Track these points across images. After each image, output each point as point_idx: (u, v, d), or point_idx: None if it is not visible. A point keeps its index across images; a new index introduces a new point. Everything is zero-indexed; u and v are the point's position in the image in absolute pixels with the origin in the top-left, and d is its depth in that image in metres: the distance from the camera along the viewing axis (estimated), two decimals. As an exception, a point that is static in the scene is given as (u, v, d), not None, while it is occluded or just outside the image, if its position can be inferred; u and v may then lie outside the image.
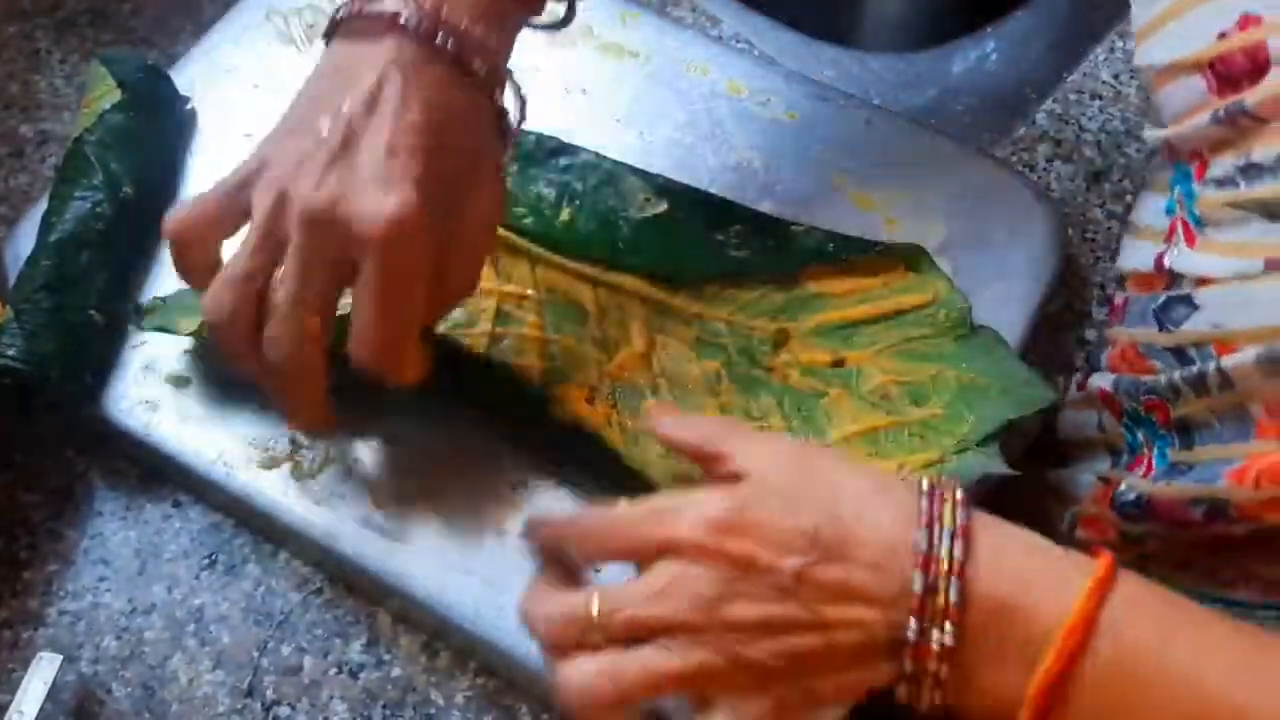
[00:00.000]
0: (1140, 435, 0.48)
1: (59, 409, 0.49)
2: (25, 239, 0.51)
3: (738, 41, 0.64)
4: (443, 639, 0.47)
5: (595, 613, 0.37)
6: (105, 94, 0.53)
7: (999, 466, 0.47)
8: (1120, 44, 0.64)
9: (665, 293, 0.51)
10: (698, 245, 0.52)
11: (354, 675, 0.47)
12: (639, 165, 0.54)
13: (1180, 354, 0.44)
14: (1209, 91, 0.42)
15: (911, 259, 0.51)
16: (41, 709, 0.43)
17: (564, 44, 0.58)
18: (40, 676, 0.44)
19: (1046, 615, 0.35)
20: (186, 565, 0.49)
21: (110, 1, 0.65)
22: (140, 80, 0.54)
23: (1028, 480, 0.55)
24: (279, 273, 0.41)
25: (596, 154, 0.54)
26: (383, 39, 0.42)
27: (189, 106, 0.56)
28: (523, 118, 0.47)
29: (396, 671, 0.47)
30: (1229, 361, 0.40)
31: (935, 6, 0.76)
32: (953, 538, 0.36)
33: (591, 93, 0.57)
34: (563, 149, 0.54)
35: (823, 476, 0.38)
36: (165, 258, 0.51)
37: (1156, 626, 0.35)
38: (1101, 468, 0.50)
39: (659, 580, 0.37)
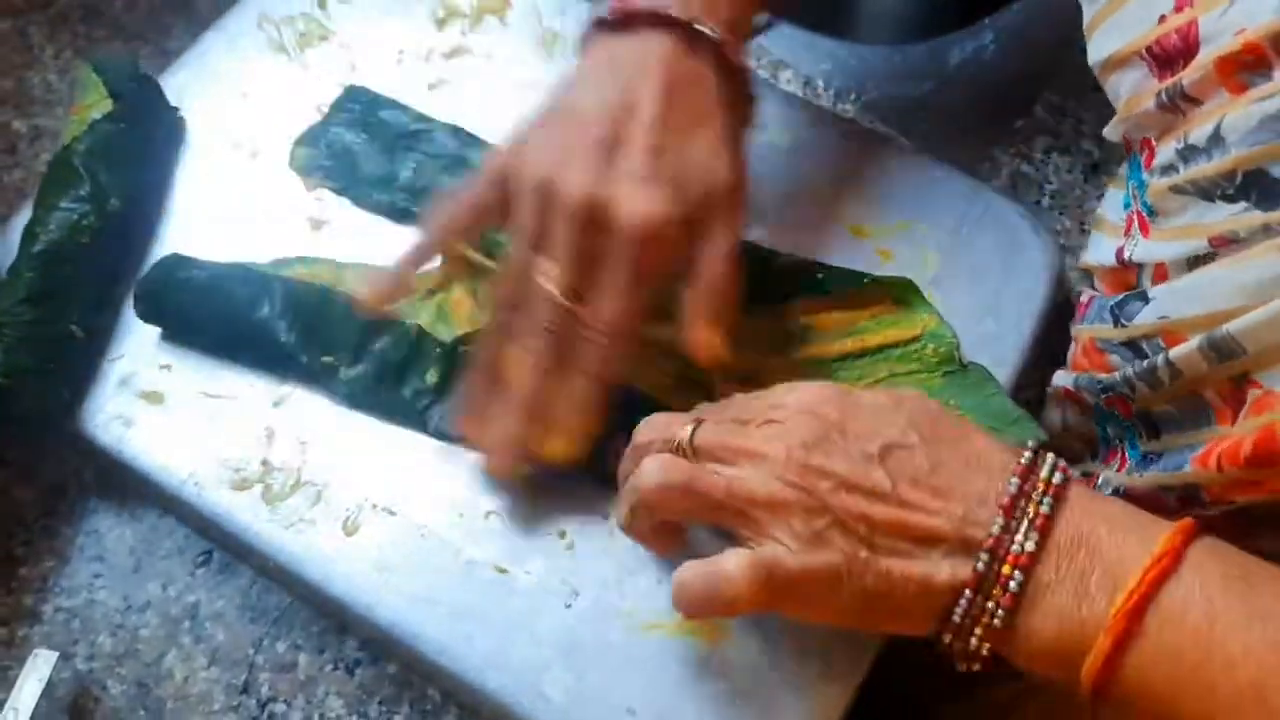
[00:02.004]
0: (1110, 430, 0.48)
1: (34, 421, 0.48)
2: (19, 235, 0.51)
3: (734, 34, 0.64)
4: (411, 669, 0.46)
5: (688, 435, 0.40)
6: (96, 102, 0.52)
7: None
8: (1118, 35, 0.64)
9: (648, 326, 0.50)
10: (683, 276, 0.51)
11: (350, 671, 0.47)
12: None
13: (1134, 347, 0.44)
14: (1151, 76, 0.42)
15: (900, 292, 0.50)
16: (37, 706, 0.43)
17: (563, 59, 0.58)
18: (36, 674, 0.44)
19: (1132, 551, 0.35)
20: (181, 562, 0.48)
21: (103, -3, 0.65)
22: (132, 90, 0.53)
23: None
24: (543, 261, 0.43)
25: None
26: (647, 33, 0.44)
27: (178, 116, 0.56)
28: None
29: (393, 668, 0.47)
30: (1176, 352, 0.41)
31: (932, -2, 0.75)
32: (1054, 469, 0.37)
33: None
34: None
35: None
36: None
37: (1242, 570, 0.35)
38: (1080, 463, 0.50)
39: (757, 425, 0.39)
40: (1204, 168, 0.40)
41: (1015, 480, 0.37)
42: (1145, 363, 0.43)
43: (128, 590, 0.48)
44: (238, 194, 0.54)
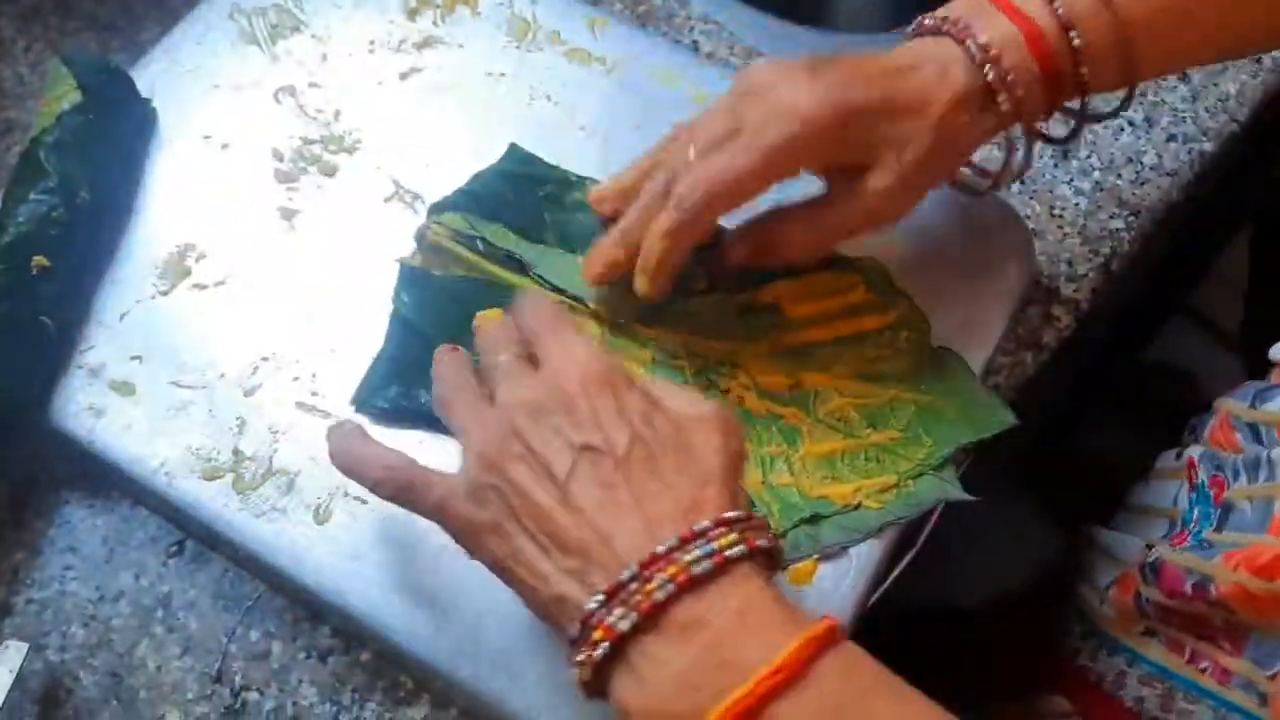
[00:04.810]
0: (1197, 510, 0.49)
1: (4, 413, 0.48)
2: (-12, 228, 0.51)
3: (706, 23, 0.64)
4: (383, 656, 0.46)
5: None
6: (65, 94, 0.52)
7: (956, 491, 0.47)
8: (1089, 21, 0.64)
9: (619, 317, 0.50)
10: None
11: (323, 659, 0.47)
12: (601, 175, 0.53)
13: (1254, 430, 0.46)
14: None
15: (871, 278, 0.51)
16: (8, 697, 0.43)
17: (530, 50, 0.58)
18: (6, 665, 0.44)
19: (751, 654, 0.33)
20: (153, 552, 0.48)
21: (74, -11, 0.64)
22: (102, 82, 0.53)
23: (1083, 537, 0.56)
24: None
25: (578, 175, 0.53)
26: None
27: (150, 108, 0.56)
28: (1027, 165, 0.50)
29: (366, 655, 0.47)
30: (1278, 452, 0.43)
31: (905, -14, 0.76)
32: (709, 557, 0.34)
33: (557, 100, 0.56)
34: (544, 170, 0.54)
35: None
36: (121, 263, 0.51)
37: (860, 690, 0.34)
38: (1155, 535, 0.51)
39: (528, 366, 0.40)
40: None
41: (635, 564, 0.34)
42: (1256, 449, 0.44)
43: (100, 581, 0.48)
44: (209, 185, 0.54)
